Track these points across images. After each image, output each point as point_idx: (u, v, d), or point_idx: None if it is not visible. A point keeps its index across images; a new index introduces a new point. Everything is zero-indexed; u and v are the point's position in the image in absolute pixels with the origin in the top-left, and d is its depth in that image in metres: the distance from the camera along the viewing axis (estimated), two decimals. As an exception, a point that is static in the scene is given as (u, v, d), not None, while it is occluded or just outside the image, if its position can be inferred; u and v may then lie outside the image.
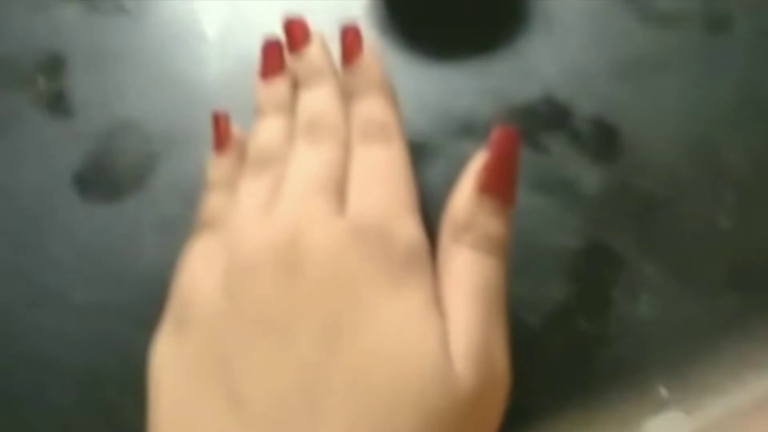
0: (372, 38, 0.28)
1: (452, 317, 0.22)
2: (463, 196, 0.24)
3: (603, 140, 0.30)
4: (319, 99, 0.27)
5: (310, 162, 0.25)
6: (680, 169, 0.29)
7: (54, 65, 0.35)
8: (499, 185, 0.24)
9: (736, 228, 0.27)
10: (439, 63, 0.33)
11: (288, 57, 0.29)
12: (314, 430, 0.20)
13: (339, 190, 0.24)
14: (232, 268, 0.23)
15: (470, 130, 0.31)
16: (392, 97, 0.27)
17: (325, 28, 0.28)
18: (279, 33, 0.29)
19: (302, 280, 0.22)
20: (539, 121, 0.31)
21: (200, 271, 0.24)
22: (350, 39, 0.28)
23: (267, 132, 0.27)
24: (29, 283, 0.29)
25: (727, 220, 0.28)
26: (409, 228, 0.23)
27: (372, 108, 0.27)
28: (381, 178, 0.25)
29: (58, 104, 0.34)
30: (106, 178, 0.31)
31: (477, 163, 0.24)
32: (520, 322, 0.27)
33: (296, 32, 0.29)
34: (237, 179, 0.27)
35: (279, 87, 0.28)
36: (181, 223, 0.28)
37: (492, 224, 0.23)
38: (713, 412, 0.24)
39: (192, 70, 0.34)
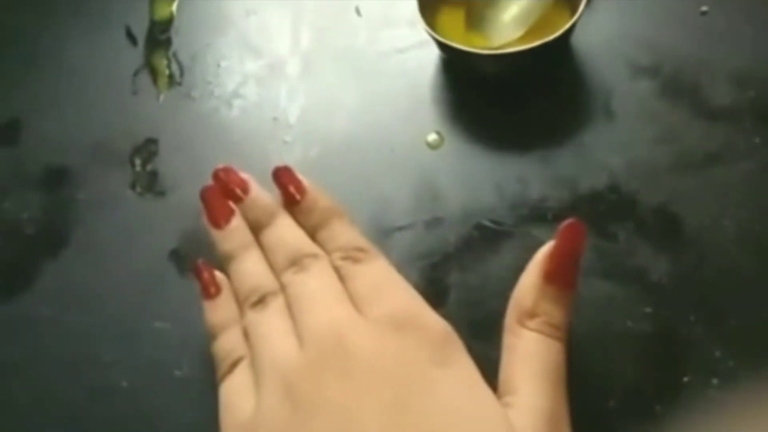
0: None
1: (520, 393, 0.24)
2: (529, 283, 0.26)
3: (667, 229, 0.32)
4: (282, 230, 0.29)
5: (310, 284, 0.27)
6: (743, 261, 0.31)
7: (149, 148, 0.38)
8: (562, 274, 0.26)
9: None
10: (511, 153, 0.35)
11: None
12: None
13: (349, 300, 0.26)
14: (290, 388, 0.25)
15: (540, 218, 0.33)
16: (349, 218, 0.29)
17: (392, 118, 0.31)
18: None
19: (360, 372, 0.24)
20: (606, 210, 0.33)
21: (251, 400, 0.26)
22: (287, 179, 0.30)
23: (248, 270, 0.29)
24: (136, 357, 0.31)
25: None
26: (432, 316, 0.26)
27: (340, 234, 0.29)
28: (388, 285, 0.27)
29: (152, 185, 0.36)
30: (201, 254, 0.33)
31: (543, 252, 0.26)
32: (596, 404, 0.28)
33: (232, 181, 0.30)
34: (238, 316, 0.28)
35: (237, 228, 0.30)
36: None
37: (554, 312, 0.26)
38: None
39: (275, 152, 0.37)
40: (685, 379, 0.28)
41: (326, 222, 0.29)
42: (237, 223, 0.30)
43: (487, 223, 0.33)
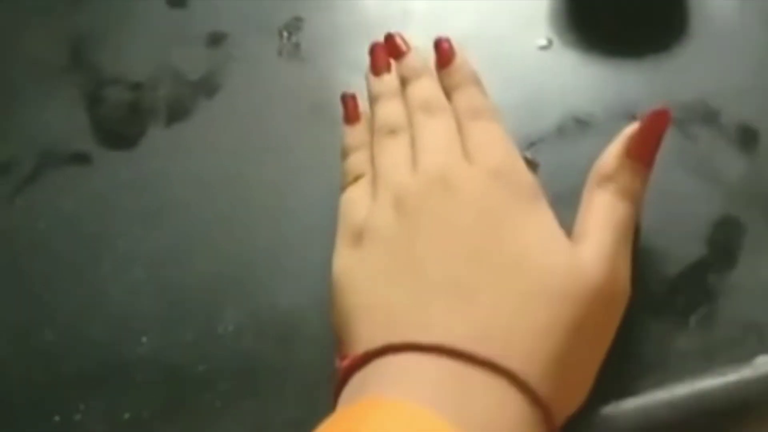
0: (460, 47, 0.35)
1: (588, 238, 0.29)
2: (612, 154, 0.30)
3: (745, 139, 0.36)
4: (425, 85, 0.34)
5: (433, 127, 0.32)
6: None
7: (296, 24, 0.44)
8: (642, 152, 0.30)
9: None
10: (614, 63, 0.39)
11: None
12: (482, 291, 0.27)
13: (462, 150, 0.31)
14: (401, 203, 0.30)
15: (631, 118, 0.37)
16: (484, 88, 0.34)
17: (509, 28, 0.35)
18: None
19: (458, 202, 0.29)
20: (692, 116, 0.37)
21: (366, 207, 0.31)
22: (444, 47, 0.35)
23: (388, 108, 0.34)
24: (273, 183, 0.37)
25: None
26: (527, 172, 0.31)
27: (472, 96, 0.33)
28: (495, 140, 0.31)
29: (295, 53, 0.42)
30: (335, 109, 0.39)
31: (628, 130, 0.31)
32: (657, 272, 0.33)
33: (396, 45, 0.36)
34: (369, 143, 0.34)
35: (389, 79, 0.35)
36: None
37: (631, 180, 0.30)
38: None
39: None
40: (740, 257, 0.32)
41: (464, 85, 0.34)
42: (390, 76, 0.35)
43: (581, 116, 0.38)
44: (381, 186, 0.31)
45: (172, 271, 0.35)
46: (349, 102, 0.36)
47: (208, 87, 0.41)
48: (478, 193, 0.29)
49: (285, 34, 0.43)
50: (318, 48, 0.43)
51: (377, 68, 0.36)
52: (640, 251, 0.33)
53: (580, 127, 0.38)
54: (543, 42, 0.41)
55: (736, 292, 0.32)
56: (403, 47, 0.36)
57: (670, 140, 0.35)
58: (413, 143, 0.32)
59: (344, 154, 0.34)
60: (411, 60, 0.36)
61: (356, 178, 0.33)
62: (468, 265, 0.27)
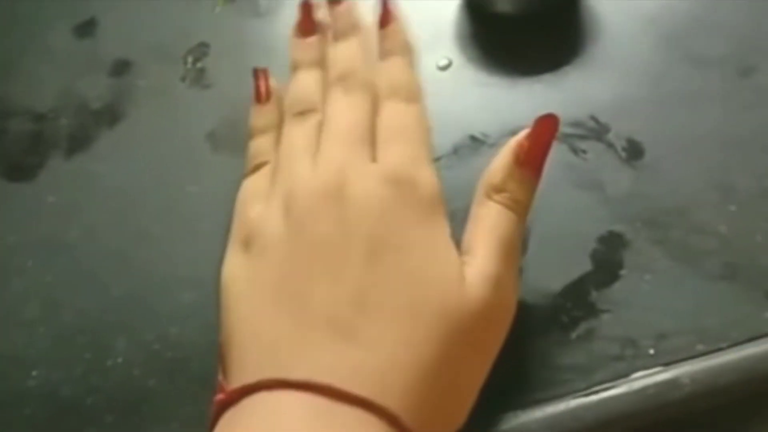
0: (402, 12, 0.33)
1: (475, 254, 0.28)
2: (500, 163, 0.30)
3: (632, 153, 0.36)
4: (349, 51, 0.32)
5: (344, 110, 0.30)
6: (693, 182, 0.35)
7: (201, 50, 0.44)
8: (532, 159, 0.30)
9: (732, 233, 0.33)
10: (509, 81, 0.40)
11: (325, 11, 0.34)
12: (362, 330, 0.26)
13: (370, 138, 0.30)
14: (291, 206, 0.28)
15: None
16: (415, 60, 0.33)
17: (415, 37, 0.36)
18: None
19: (348, 212, 0.28)
20: (582, 132, 0.37)
21: (262, 205, 0.29)
22: (387, 7, 0.33)
23: (303, 82, 0.32)
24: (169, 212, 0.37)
25: (726, 227, 0.33)
26: (430, 177, 0.29)
27: (399, 68, 0.32)
28: (406, 131, 0.30)
29: (200, 79, 0.43)
30: (234, 136, 0.39)
31: (517, 138, 0.30)
32: (541, 287, 0.33)
33: None
34: (278, 125, 0.32)
35: (312, 44, 0.33)
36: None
37: (519, 190, 0.30)
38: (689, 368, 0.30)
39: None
40: (622, 272, 0.33)
41: (392, 54, 0.32)
42: (314, 40, 0.33)
43: (477, 134, 0.38)
44: (278, 179, 0.30)
45: (65, 305, 0.35)
46: (260, 78, 0.34)
47: (110, 116, 0.41)
48: (371, 204, 0.28)
49: (189, 59, 0.43)
50: (223, 73, 0.43)
51: (302, 29, 0.34)
52: (524, 266, 0.33)
53: (475, 146, 0.38)
54: (444, 62, 0.41)
55: (616, 308, 0.32)
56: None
57: (558, 156, 0.36)
58: (322, 125, 0.31)
59: (249, 136, 0.33)
60: (344, 11, 0.33)
61: (258, 167, 0.32)
62: (351, 294, 0.27)
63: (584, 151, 0.37)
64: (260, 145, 0.33)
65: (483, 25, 0.42)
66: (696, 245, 0.33)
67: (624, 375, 0.30)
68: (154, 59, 0.44)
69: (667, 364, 0.30)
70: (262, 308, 0.27)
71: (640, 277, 0.33)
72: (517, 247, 0.30)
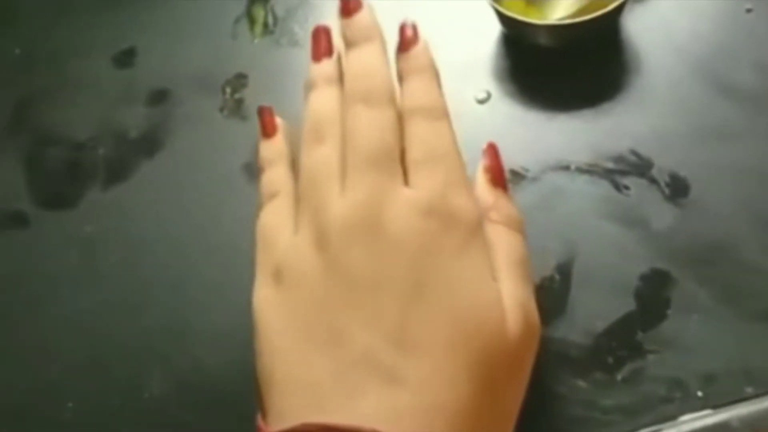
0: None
1: (501, 280, 0.28)
2: (482, 190, 0.30)
3: (675, 189, 0.36)
4: (372, 57, 0.30)
5: (368, 127, 0.28)
6: (738, 219, 0.34)
7: (239, 81, 0.44)
8: (500, 180, 0.31)
9: (781, 272, 0.32)
10: (548, 115, 0.40)
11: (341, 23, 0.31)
12: (404, 371, 0.25)
13: (398, 157, 0.28)
14: (324, 238, 0.27)
15: (564, 168, 0.37)
16: (440, 81, 0.31)
17: (450, 79, 0.35)
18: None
19: (386, 247, 0.27)
20: (624, 167, 0.37)
21: (288, 235, 0.28)
22: (409, 31, 0.30)
23: (321, 99, 0.30)
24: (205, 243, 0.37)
25: (773, 265, 0.33)
26: (467, 204, 0.28)
27: (424, 87, 0.30)
28: (437, 152, 0.28)
29: (238, 110, 0.43)
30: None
31: (480, 166, 0.31)
32: (585, 326, 0.33)
33: (345, 2, 0.31)
34: (287, 156, 0.31)
35: (328, 64, 0.31)
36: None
37: (509, 207, 0.30)
38: (739, 411, 0.29)
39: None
40: (668, 312, 0.32)
41: (420, 73, 0.30)
42: (330, 62, 0.31)
43: (517, 168, 0.38)
44: (305, 208, 0.28)
45: (100, 335, 0.35)
46: (264, 113, 0.33)
47: (148, 146, 0.42)
48: (408, 239, 0.27)
49: (228, 90, 0.44)
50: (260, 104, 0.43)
51: (316, 52, 0.32)
52: (568, 304, 0.33)
53: (515, 180, 0.38)
54: (482, 95, 0.41)
55: (663, 349, 0.31)
56: (354, 3, 0.31)
57: (600, 191, 0.36)
58: (344, 142, 0.29)
59: (260, 169, 0.32)
60: (360, 18, 0.31)
61: (273, 195, 0.31)
62: (390, 333, 0.26)
63: (627, 187, 0.36)
64: (272, 176, 0.32)
65: (521, 59, 0.42)
66: (742, 284, 0.33)
67: (672, 417, 0.29)
68: (192, 89, 0.44)
69: (716, 407, 0.29)
70: (298, 346, 0.27)
71: (687, 316, 0.32)
72: (529, 266, 0.30)
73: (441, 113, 0.30)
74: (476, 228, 0.28)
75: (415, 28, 0.31)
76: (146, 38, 0.47)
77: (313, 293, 0.27)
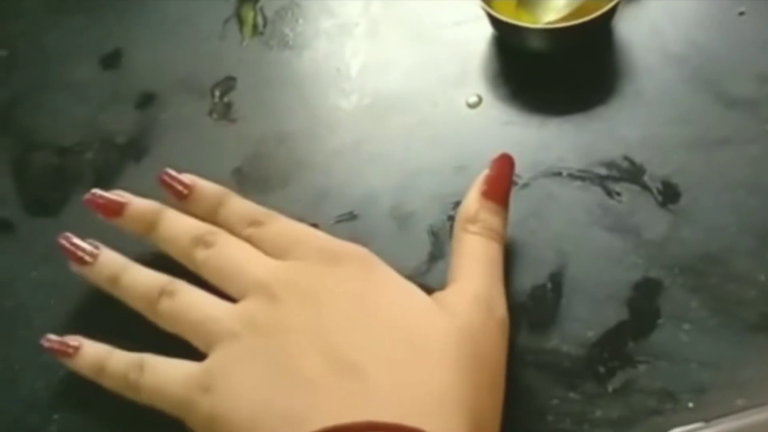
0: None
1: (457, 280, 0.30)
2: (470, 199, 0.32)
3: (668, 196, 0.35)
4: (173, 221, 0.33)
5: (226, 251, 0.32)
6: (731, 228, 0.34)
7: (228, 83, 0.44)
8: (496, 192, 0.32)
9: (773, 283, 0.32)
10: (540, 120, 0.39)
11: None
12: (357, 378, 0.26)
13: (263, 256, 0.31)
14: (249, 324, 0.29)
15: (556, 174, 0.37)
16: (237, 195, 0.35)
17: (440, 80, 0.35)
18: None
19: (309, 304, 0.29)
20: (616, 174, 0.36)
21: (179, 364, 0.30)
22: (171, 179, 0.34)
23: (138, 278, 0.32)
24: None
25: (765, 275, 0.32)
26: (349, 244, 0.31)
27: (239, 207, 0.34)
28: (300, 234, 0.32)
29: (227, 113, 0.42)
30: (260, 174, 0.39)
31: (482, 176, 0.32)
32: (576, 335, 0.32)
33: (108, 201, 0.34)
34: None
35: (107, 258, 0.33)
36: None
37: (492, 220, 0.31)
38: (730, 424, 0.29)
39: (333, 97, 0.42)
40: (660, 321, 0.32)
41: (220, 202, 0.33)
42: (105, 254, 0.33)
43: (509, 175, 0.37)
44: (208, 335, 0.30)
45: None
46: (53, 345, 0.32)
47: (135, 150, 0.41)
48: (317, 279, 0.30)
49: (216, 93, 0.43)
50: (250, 108, 0.42)
51: (78, 261, 0.33)
52: (558, 313, 0.33)
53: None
54: (473, 99, 0.41)
55: (654, 359, 0.31)
56: (119, 200, 0.34)
57: (592, 197, 0.36)
58: (213, 281, 0.31)
59: (98, 373, 0.31)
60: (135, 208, 0.34)
61: (140, 368, 0.31)
62: (337, 350, 0.27)
63: (619, 194, 0.36)
64: (118, 362, 0.31)
65: (513, 62, 0.42)
66: (734, 294, 0.32)
67: (663, 430, 0.29)
68: (180, 92, 0.43)
69: (708, 420, 0.29)
70: (262, 404, 0.27)
71: (678, 326, 0.32)
72: (498, 266, 0.31)
73: (264, 213, 0.33)
74: (370, 259, 0.31)
75: (170, 174, 0.35)
76: (133, 40, 0.46)
77: (255, 364, 0.28)
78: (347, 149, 0.40)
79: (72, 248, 0.33)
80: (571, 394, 0.31)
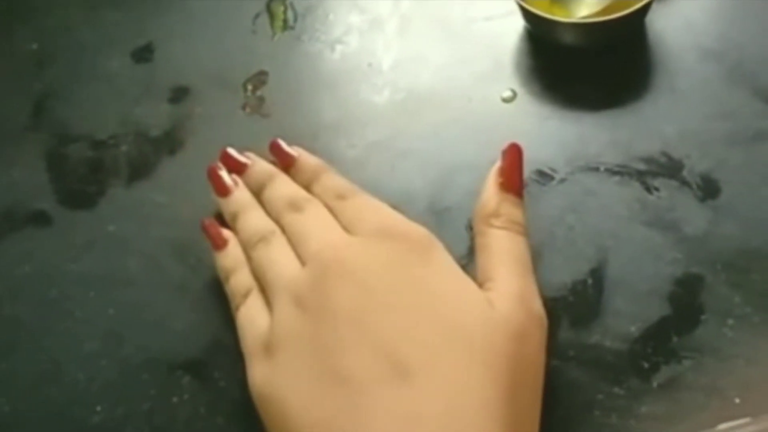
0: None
1: (496, 280, 0.29)
2: (490, 193, 0.32)
3: (708, 192, 0.35)
4: (280, 184, 0.35)
5: (306, 220, 0.32)
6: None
7: (260, 78, 0.43)
8: (512, 183, 0.32)
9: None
10: (576, 115, 0.39)
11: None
12: (405, 382, 0.26)
13: (341, 228, 0.32)
14: (298, 297, 0.29)
15: (593, 170, 0.37)
16: (334, 171, 0.35)
17: (473, 75, 0.35)
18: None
19: (356, 282, 0.29)
20: (655, 169, 0.36)
21: (265, 318, 0.30)
22: (279, 150, 0.36)
23: (250, 222, 0.34)
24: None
25: (809, 270, 0.32)
26: (414, 225, 0.31)
27: (331, 182, 0.35)
28: (371, 209, 0.32)
29: (259, 107, 0.42)
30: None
31: (495, 169, 0.32)
32: (619, 330, 0.32)
33: (236, 161, 0.36)
34: (246, 262, 0.33)
35: (239, 194, 0.35)
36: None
37: (514, 212, 0.31)
38: (777, 419, 0.29)
39: (365, 92, 0.42)
40: (703, 317, 0.32)
41: (317, 176, 0.35)
42: (238, 191, 0.36)
43: (545, 169, 0.37)
44: (274, 294, 0.30)
45: (128, 338, 0.34)
46: (209, 229, 0.35)
47: (170, 144, 0.41)
48: (371, 261, 0.29)
49: (249, 87, 0.43)
50: (282, 102, 0.42)
51: (221, 191, 0.36)
52: (600, 308, 0.33)
53: (543, 180, 0.37)
54: (507, 93, 0.41)
55: (699, 355, 0.31)
56: (244, 160, 0.37)
57: (630, 193, 0.36)
58: (291, 241, 0.32)
59: (224, 279, 0.34)
60: (257, 168, 0.36)
61: (245, 296, 0.32)
62: (390, 354, 0.27)
63: (657, 189, 0.36)
64: (237, 280, 0.33)
65: (547, 57, 0.42)
66: (777, 289, 0.32)
67: (710, 426, 0.29)
68: (213, 86, 0.43)
69: (755, 416, 0.29)
70: (304, 392, 0.27)
71: (722, 322, 0.32)
72: (529, 263, 0.31)
73: (353, 191, 0.34)
74: (430, 242, 0.30)
75: (280, 143, 0.37)
76: (164, 34, 0.46)
77: (302, 344, 0.28)
78: (381, 144, 0.40)
79: (217, 179, 0.36)
80: (616, 390, 0.31)
